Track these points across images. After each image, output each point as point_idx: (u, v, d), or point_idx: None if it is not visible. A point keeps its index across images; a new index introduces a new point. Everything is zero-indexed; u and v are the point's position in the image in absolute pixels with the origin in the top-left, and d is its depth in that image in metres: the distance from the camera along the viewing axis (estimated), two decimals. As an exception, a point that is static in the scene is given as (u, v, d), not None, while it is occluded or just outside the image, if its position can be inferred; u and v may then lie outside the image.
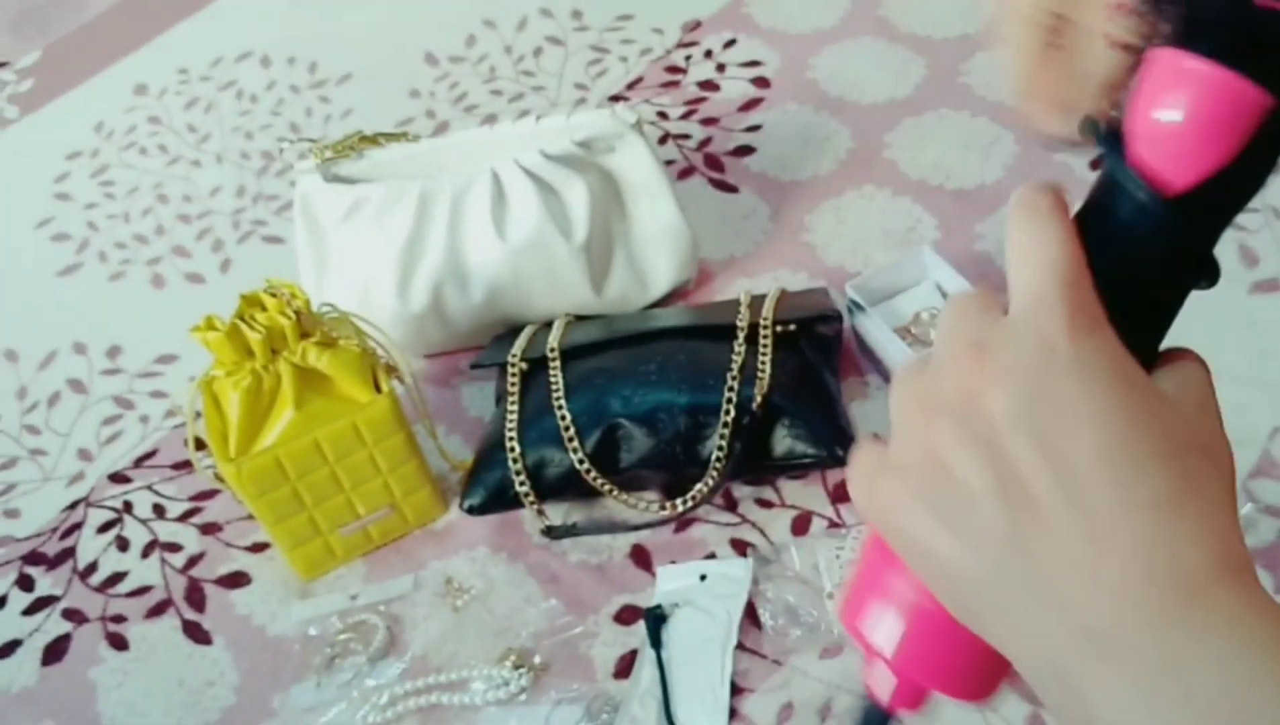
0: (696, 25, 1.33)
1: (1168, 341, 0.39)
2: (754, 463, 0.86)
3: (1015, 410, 0.34)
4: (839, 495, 0.87)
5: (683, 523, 0.87)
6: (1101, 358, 0.34)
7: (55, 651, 0.90)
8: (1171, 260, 0.37)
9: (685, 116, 1.21)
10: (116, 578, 0.94)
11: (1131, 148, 0.36)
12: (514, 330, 0.98)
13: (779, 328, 0.89)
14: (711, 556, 0.85)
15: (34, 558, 0.96)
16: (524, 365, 0.92)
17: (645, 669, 0.80)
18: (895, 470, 0.37)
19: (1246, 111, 0.34)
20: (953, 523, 0.35)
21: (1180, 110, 0.35)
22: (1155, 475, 0.33)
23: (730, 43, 1.29)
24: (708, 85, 1.24)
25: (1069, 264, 0.35)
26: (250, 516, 0.92)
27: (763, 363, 0.87)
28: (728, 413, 0.85)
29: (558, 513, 0.90)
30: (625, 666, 0.81)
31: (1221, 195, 0.36)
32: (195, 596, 0.91)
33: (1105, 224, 0.37)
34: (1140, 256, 0.36)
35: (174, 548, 0.94)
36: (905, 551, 0.37)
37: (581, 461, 0.87)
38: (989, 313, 0.36)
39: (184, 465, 1.00)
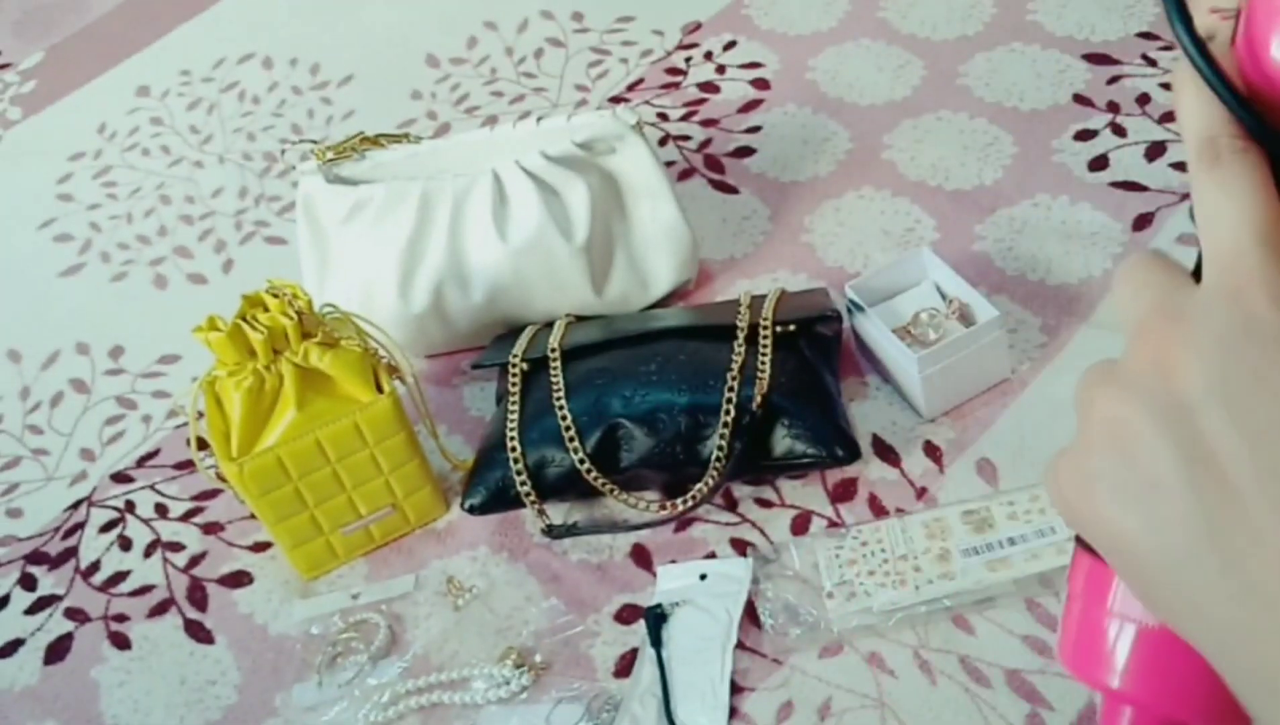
0: (696, 27, 1.33)
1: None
2: (754, 463, 0.87)
3: (1209, 385, 0.30)
4: (838, 495, 0.87)
5: (683, 522, 0.88)
6: None
7: (58, 650, 0.90)
8: None
9: (685, 118, 1.22)
10: (119, 577, 0.94)
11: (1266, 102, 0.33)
12: (515, 330, 0.98)
13: (779, 328, 0.90)
14: (711, 556, 0.86)
15: (36, 557, 0.97)
16: (525, 365, 0.92)
17: (645, 668, 0.80)
18: (1078, 453, 0.34)
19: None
20: (1139, 506, 0.32)
21: None
22: None
23: (730, 44, 1.29)
24: (708, 87, 1.25)
25: (1267, 219, 0.31)
26: (252, 516, 0.92)
27: (762, 363, 0.88)
28: (728, 413, 0.85)
29: (558, 512, 0.90)
30: (626, 665, 0.81)
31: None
32: (197, 596, 0.91)
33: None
34: None
35: (176, 547, 0.95)
36: (1099, 544, 0.34)
37: (582, 461, 0.87)
38: (1175, 277, 0.33)
39: (186, 465, 1.00)
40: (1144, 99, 1.11)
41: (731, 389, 0.86)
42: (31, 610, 0.93)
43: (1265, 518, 0.29)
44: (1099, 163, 1.06)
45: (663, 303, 1.03)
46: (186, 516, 0.97)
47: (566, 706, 0.79)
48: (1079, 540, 0.38)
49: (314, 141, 1.04)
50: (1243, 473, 0.30)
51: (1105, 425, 0.33)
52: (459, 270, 0.98)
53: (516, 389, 0.91)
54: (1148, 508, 0.32)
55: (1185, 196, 0.99)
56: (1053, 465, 0.35)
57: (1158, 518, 0.31)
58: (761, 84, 1.23)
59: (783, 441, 0.86)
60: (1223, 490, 0.30)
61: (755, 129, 1.19)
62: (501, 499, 0.89)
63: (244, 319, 0.81)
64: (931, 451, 0.88)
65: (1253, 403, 0.30)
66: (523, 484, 0.87)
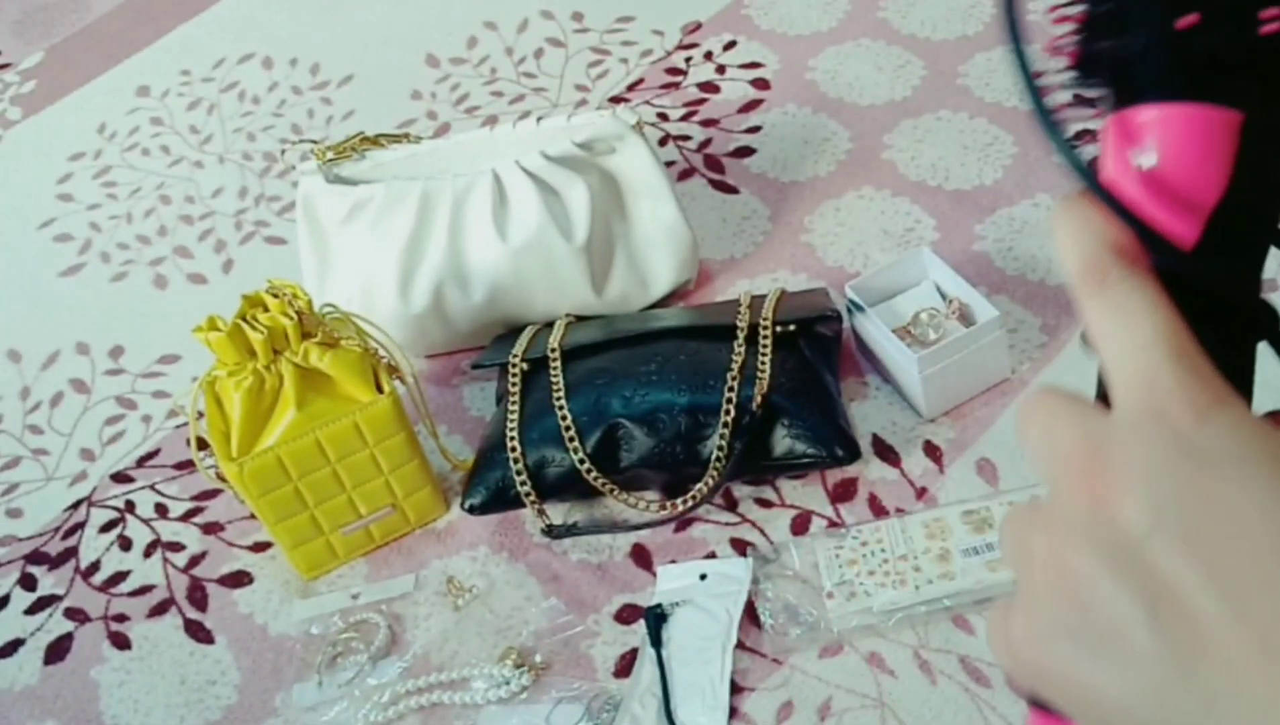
0: (696, 27, 1.33)
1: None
2: (754, 463, 0.87)
3: (1154, 516, 0.29)
4: (838, 495, 0.87)
5: (683, 522, 0.88)
6: (1240, 435, 0.29)
7: (58, 650, 0.90)
8: (1223, 315, 0.33)
9: (685, 118, 1.22)
10: (119, 577, 0.94)
11: (1138, 213, 0.33)
12: (515, 330, 0.98)
13: (779, 328, 0.90)
14: (711, 556, 0.86)
15: (36, 557, 0.97)
16: (525, 365, 0.92)
17: (645, 668, 0.80)
18: (1027, 608, 0.32)
19: (1219, 136, 0.31)
20: (1103, 656, 0.30)
21: (1158, 160, 0.32)
22: None
23: (730, 44, 1.29)
24: (708, 87, 1.25)
25: (1171, 333, 0.30)
26: (252, 516, 0.92)
27: (762, 363, 0.88)
28: (728, 413, 0.85)
29: (558, 512, 0.90)
30: (626, 665, 0.81)
31: (1240, 227, 0.32)
32: (197, 596, 0.91)
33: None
34: (1194, 321, 0.32)
35: (176, 547, 0.95)
36: (1063, 701, 0.32)
37: (582, 461, 0.87)
38: (1086, 409, 0.31)
39: (186, 465, 1.00)
40: (1144, 99, 1.11)
41: (731, 389, 0.86)
42: (31, 610, 0.93)
43: (1236, 649, 0.28)
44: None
45: (663, 303, 1.03)
46: (186, 516, 0.97)
47: (566, 706, 0.79)
48: (1034, 704, 0.37)
49: (314, 141, 1.04)
50: (1205, 604, 0.28)
51: (1051, 574, 0.31)
52: (459, 270, 0.98)
53: (516, 389, 0.91)
54: (1112, 657, 0.30)
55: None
56: (998, 625, 0.33)
57: (1124, 665, 0.29)
58: (761, 84, 1.23)
59: (783, 441, 0.86)
60: (1188, 626, 0.28)
61: (755, 129, 1.19)
62: (501, 499, 0.89)
63: (244, 319, 0.81)
64: (931, 451, 0.88)
65: (1202, 527, 0.29)
66: (523, 484, 0.87)
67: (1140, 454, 0.30)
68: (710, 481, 0.85)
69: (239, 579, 0.92)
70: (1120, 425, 0.30)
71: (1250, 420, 0.30)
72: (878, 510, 0.86)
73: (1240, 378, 0.33)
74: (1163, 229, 0.32)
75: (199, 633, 0.89)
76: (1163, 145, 0.32)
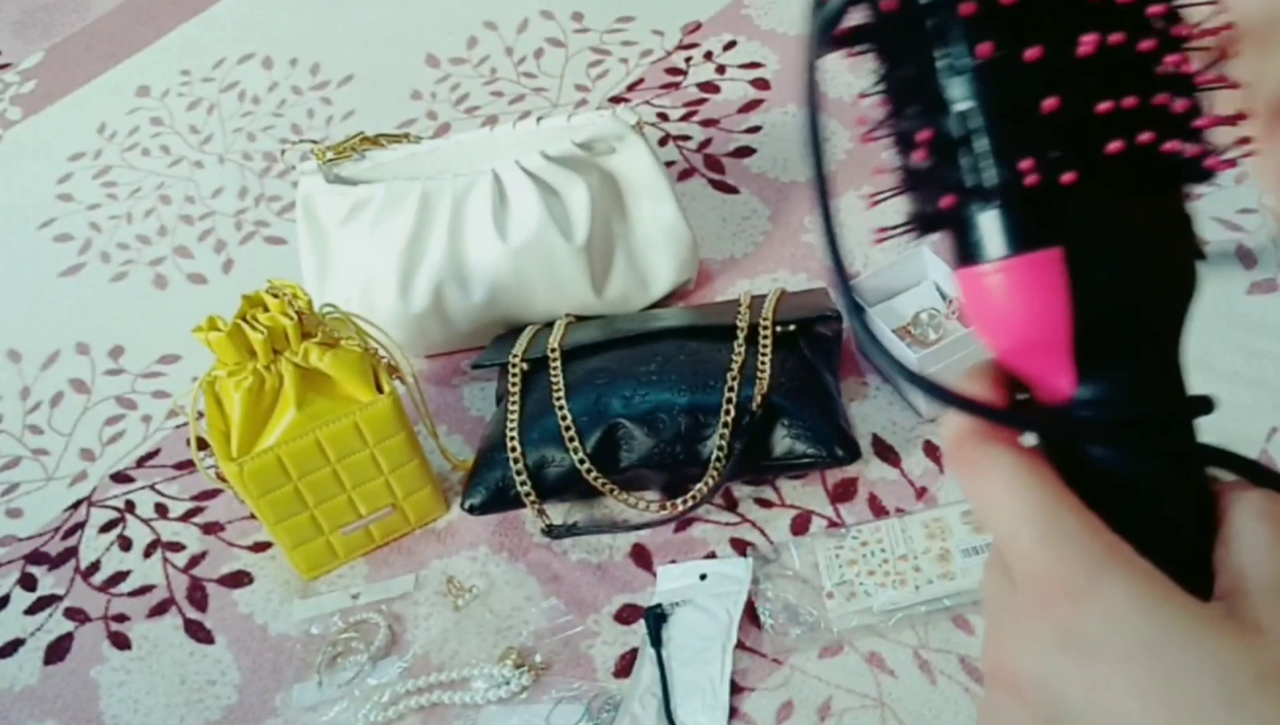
0: (696, 27, 1.33)
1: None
2: (754, 463, 0.87)
3: (1048, 714, 0.29)
4: (838, 495, 0.87)
5: (683, 522, 0.88)
6: (1113, 621, 0.28)
7: (58, 650, 0.90)
8: (1124, 458, 0.32)
9: (685, 118, 1.22)
10: (119, 577, 0.94)
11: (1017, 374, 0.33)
12: (515, 330, 0.98)
13: (779, 328, 0.90)
14: (711, 556, 0.86)
15: (36, 557, 0.97)
16: (525, 365, 0.92)
17: (645, 668, 0.80)
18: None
19: (1048, 277, 0.30)
20: None
21: (1003, 318, 0.31)
22: None
23: (730, 44, 1.29)
24: (708, 87, 1.25)
25: (1037, 510, 0.30)
26: (252, 516, 0.92)
27: (762, 363, 0.88)
28: (728, 413, 0.85)
29: (558, 512, 0.90)
30: (626, 665, 0.81)
31: (1112, 341, 0.31)
32: (197, 596, 0.91)
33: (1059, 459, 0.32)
34: (1102, 476, 0.32)
35: (176, 547, 0.95)
36: None
37: (582, 461, 0.87)
38: (1003, 586, 0.31)
39: (186, 465, 1.00)
40: (1144, 99, 1.11)
41: (731, 389, 0.86)
42: (31, 610, 0.93)
43: None
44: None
45: (663, 303, 1.03)
46: (186, 516, 0.97)
47: (566, 706, 0.79)
48: None
49: (314, 141, 1.04)
50: None
51: None
52: (459, 270, 0.98)
53: (516, 389, 0.91)
54: None
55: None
56: None
57: None
58: (761, 84, 1.23)
59: (783, 441, 0.86)
60: None
61: (755, 129, 1.19)
62: (501, 499, 0.89)
63: (244, 319, 0.81)
64: (931, 451, 0.88)
65: (1093, 718, 0.28)
66: (523, 484, 0.87)
67: (1029, 654, 0.29)
68: (710, 481, 0.85)
69: (239, 579, 0.92)
70: (1016, 608, 0.30)
71: (1126, 599, 0.28)
72: (878, 510, 0.86)
73: (1161, 523, 0.32)
74: (1039, 383, 0.32)
75: (199, 633, 0.89)
76: (997, 309, 0.31)
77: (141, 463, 1.02)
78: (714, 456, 0.86)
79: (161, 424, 1.05)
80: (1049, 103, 0.29)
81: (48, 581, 0.95)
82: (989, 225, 0.30)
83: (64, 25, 1.61)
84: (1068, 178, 0.29)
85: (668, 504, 0.87)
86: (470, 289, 0.99)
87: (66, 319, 1.17)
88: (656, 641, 0.81)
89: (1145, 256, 0.30)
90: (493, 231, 0.97)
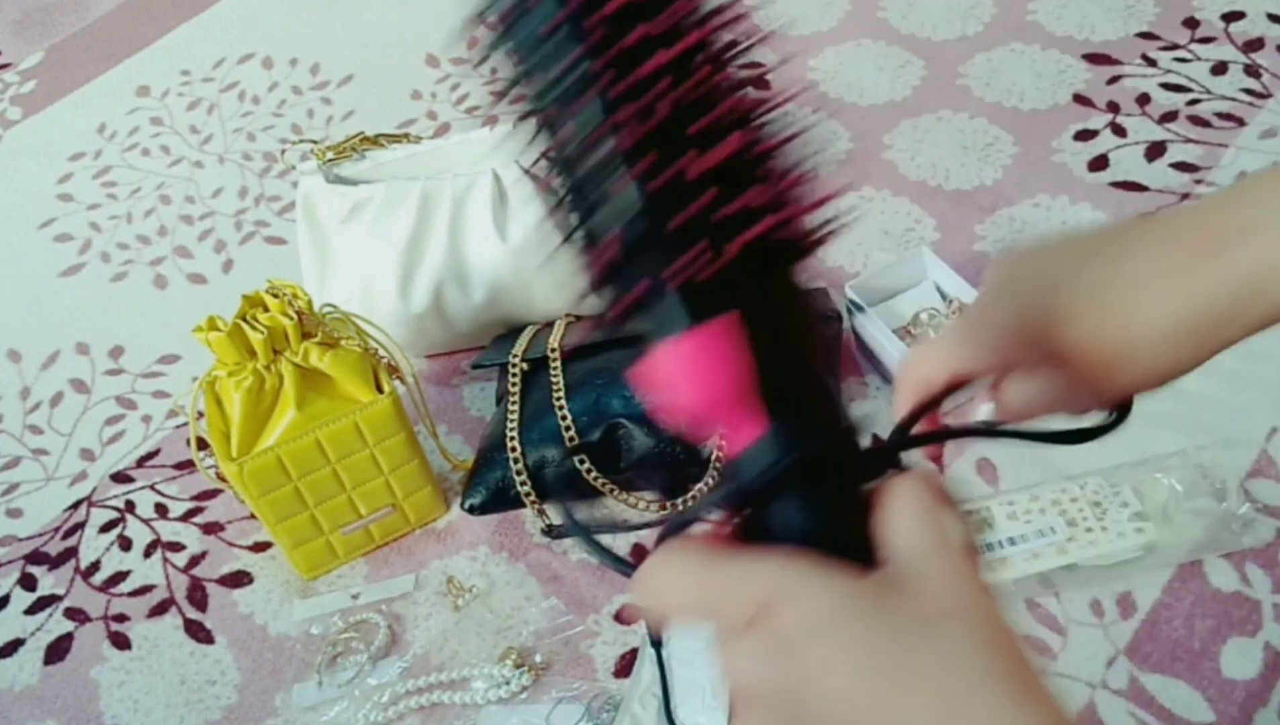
0: (697, 27, 1.33)
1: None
2: (754, 462, 0.86)
3: (787, 710, 0.34)
4: (838, 495, 0.87)
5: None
6: (802, 606, 0.34)
7: (58, 650, 0.90)
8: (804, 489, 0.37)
9: (686, 118, 1.22)
10: (119, 577, 0.94)
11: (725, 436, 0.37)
12: (515, 330, 0.98)
13: (779, 328, 0.90)
14: (711, 556, 0.86)
15: (36, 557, 0.97)
16: (525, 365, 0.92)
17: (646, 667, 0.80)
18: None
19: (727, 342, 0.35)
20: None
21: (680, 376, 0.36)
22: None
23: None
24: (708, 87, 1.25)
25: (691, 574, 0.36)
26: (252, 516, 0.92)
27: (762, 363, 0.88)
28: (727, 413, 0.85)
29: (558, 512, 0.90)
30: (626, 665, 0.81)
31: (798, 390, 0.37)
32: (197, 596, 0.91)
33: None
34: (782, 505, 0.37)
35: (176, 547, 0.95)
36: None
37: (582, 461, 0.87)
38: (717, 638, 0.37)
39: (186, 465, 1.00)
40: (1144, 99, 1.11)
41: (731, 389, 0.86)
42: (31, 610, 0.93)
43: None
44: (1099, 163, 1.06)
45: (663, 303, 1.03)
46: (186, 516, 0.97)
47: (566, 706, 0.79)
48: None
49: (314, 141, 1.04)
50: None
51: None
52: (459, 270, 0.98)
53: (516, 389, 0.91)
54: None
55: (1185, 196, 0.99)
56: None
57: None
58: (761, 84, 1.23)
59: (783, 441, 0.86)
60: None
61: (755, 129, 1.18)
62: (501, 499, 0.89)
63: (244, 319, 0.81)
64: (931, 451, 0.88)
65: (818, 698, 0.33)
66: (523, 484, 0.87)
67: (754, 670, 0.34)
68: (710, 482, 0.85)
69: (239, 579, 0.92)
70: (732, 646, 0.35)
71: (804, 594, 0.33)
72: (878, 510, 0.86)
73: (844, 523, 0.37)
74: (737, 429, 0.36)
75: (199, 633, 0.89)
76: (682, 377, 0.36)
77: (141, 463, 1.02)
78: (714, 456, 0.86)
79: (161, 424, 1.05)
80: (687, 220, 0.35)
81: (48, 581, 0.95)
82: (675, 307, 0.35)
83: (64, 25, 1.61)
84: (717, 266, 0.34)
85: (668, 504, 0.87)
86: (470, 289, 0.99)
87: (66, 319, 1.17)
88: (656, 641, 0.80)
89: (800, 307, 0.37)
90: (493, 231, 0.97)
